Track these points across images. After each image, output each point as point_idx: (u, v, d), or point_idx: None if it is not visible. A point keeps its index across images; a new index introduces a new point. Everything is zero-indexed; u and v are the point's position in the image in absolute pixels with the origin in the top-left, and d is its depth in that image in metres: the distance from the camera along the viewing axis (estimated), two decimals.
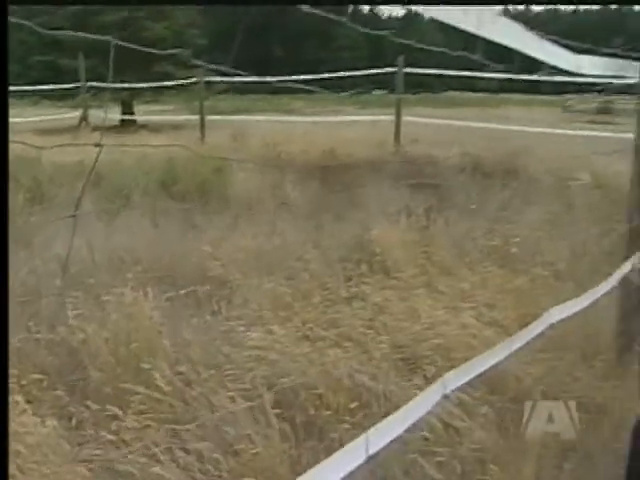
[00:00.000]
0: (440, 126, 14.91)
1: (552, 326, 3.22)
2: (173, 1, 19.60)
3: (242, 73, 6.93)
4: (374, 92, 40.17)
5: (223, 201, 7.31)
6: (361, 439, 1.39)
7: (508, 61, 6.07)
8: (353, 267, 4.50)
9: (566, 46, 2.02)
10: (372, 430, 1.42)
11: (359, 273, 4.39)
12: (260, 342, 3.57)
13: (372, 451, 1.41)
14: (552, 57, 1.89)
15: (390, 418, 1.49)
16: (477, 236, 5.25)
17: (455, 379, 1.85)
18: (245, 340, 3.65)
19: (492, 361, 2.00)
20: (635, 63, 3.11)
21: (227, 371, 3.34)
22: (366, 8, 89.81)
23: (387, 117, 12.41)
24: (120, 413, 2.93)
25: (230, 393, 3.08)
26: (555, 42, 1.91)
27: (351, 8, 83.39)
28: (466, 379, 1.90)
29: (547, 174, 8.38)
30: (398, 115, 11.35)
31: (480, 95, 39.24)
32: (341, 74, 15.45)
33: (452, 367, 2.19)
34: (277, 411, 2.96)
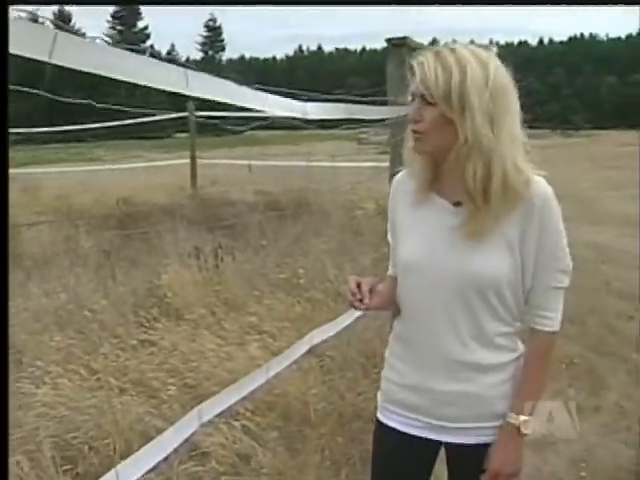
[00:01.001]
0: (240, 166, 15.26)
1: (326, 347, 3.50)
2: (172, 1, 18.58)
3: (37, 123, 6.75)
4: (176, 135, 39.97)
5: (13, 259, 7.03)
6: (111, 473, 1.48)
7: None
8: (144, 313, 4.55)
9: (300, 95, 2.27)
10: (120, 465, 1.52)
11: (150, 318, 4.46)
12: (49, 399, 3.52)
13: None
14: (276, 108, 2.11)
15: (141, 450, 1.60)
16: (267, 271, 5.49)
17: (214, 406, 2.00)
18: (33, 400, 3.58)
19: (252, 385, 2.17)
20: (368, 106, 3.49)
21: (13, 435, 3.26)
22: (164, 51, 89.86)
23: (188, 160, 12.49)
24: None
25: (16, 458, 3.01)
26: (280, 92, 2.15)
27: (147, 52, 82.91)
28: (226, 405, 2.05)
29: (337, 206, 8.90)
30: (193, 158, 11.50)
31: (283, 132, 40.23)
32: (141, 120, 15.36)
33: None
34: (67, 467, 2.96)
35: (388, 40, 4.20)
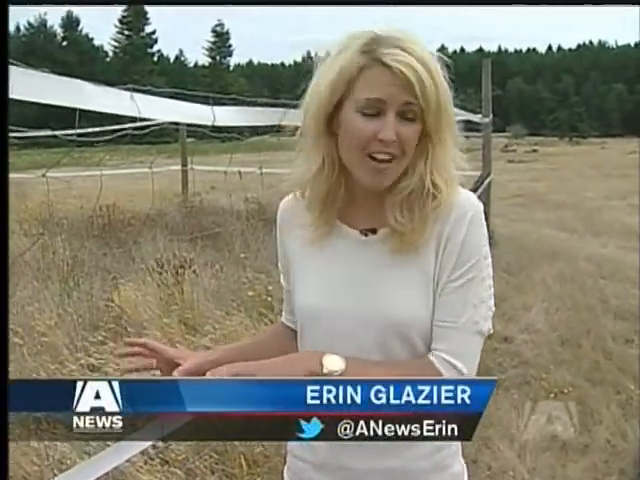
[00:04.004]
0: (240, 173, 14.87)
1: None
2: (173, 1, 18.45)
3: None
4: (187, 141, 39.76)
5: None
6: None
7: None
8: (94, 334, 4.19)
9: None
10: None
11: (98, 341, 4.08)
12: None
13: None
14: (186, 116, 1.77)
15: None
16: (237, 287, 5.12)
17: None
18: None
19: None
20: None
21: None
22: (172, 57, 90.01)
23: (195, 166, 12.10)
24: None
25: None
26: (188, 97, 1.81)
27: (156, 57, 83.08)
28: None
29: None
30: (184, 164, 11.21)
31: (289, 138, 40.02)
32: (145, 123, 15.01)
33: None
34: None
35: None
